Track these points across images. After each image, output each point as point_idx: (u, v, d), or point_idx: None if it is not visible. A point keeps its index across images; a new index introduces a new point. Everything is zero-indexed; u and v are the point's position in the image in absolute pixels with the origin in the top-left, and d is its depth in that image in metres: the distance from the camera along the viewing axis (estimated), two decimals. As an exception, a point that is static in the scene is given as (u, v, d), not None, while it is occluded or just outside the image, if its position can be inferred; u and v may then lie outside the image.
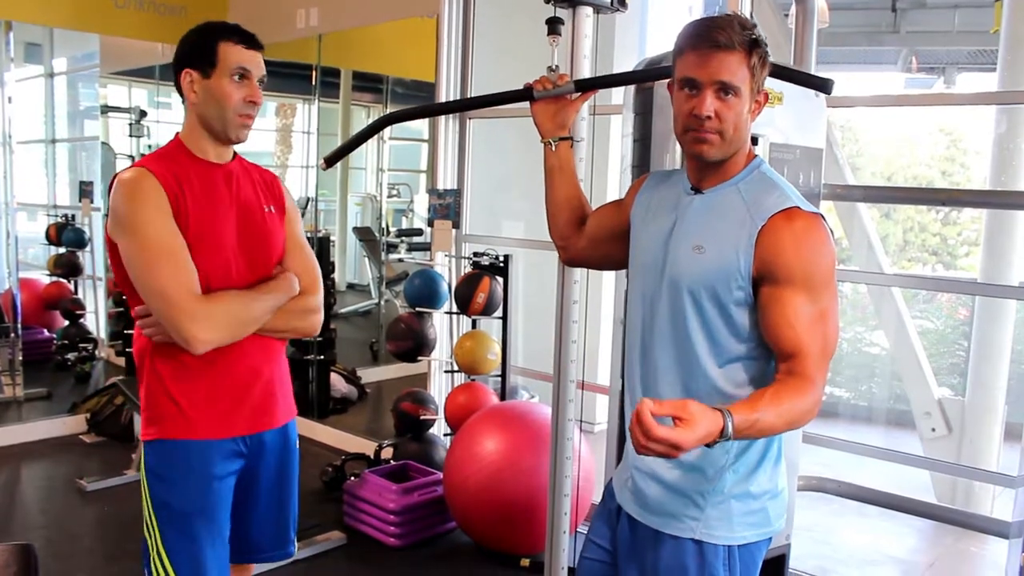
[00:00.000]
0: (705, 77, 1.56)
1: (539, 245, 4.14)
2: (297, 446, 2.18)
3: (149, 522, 1.96)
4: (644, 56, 2.52)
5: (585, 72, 2.41)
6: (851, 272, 4.47)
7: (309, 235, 5.49)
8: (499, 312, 4.06)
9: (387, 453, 4.27)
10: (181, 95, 1.96)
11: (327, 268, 5.56)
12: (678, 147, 2.35)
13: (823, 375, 1.54)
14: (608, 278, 2.74)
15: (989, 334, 4.80)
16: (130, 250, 1.84)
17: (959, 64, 9.12)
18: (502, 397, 4.04)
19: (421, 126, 5.71)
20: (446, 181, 4.43)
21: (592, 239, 1.95)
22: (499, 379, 4.08)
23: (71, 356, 5.98)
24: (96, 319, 6.25)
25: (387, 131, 5.95)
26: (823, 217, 1.60)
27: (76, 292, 6.24)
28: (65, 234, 6.11)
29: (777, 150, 2.51)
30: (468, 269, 4.15)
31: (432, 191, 4.38)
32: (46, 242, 6.19)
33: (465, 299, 4.01)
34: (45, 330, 6.28)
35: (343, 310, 6.56)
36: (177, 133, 2.00)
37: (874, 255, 4.82)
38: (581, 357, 2.63)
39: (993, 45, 5.41)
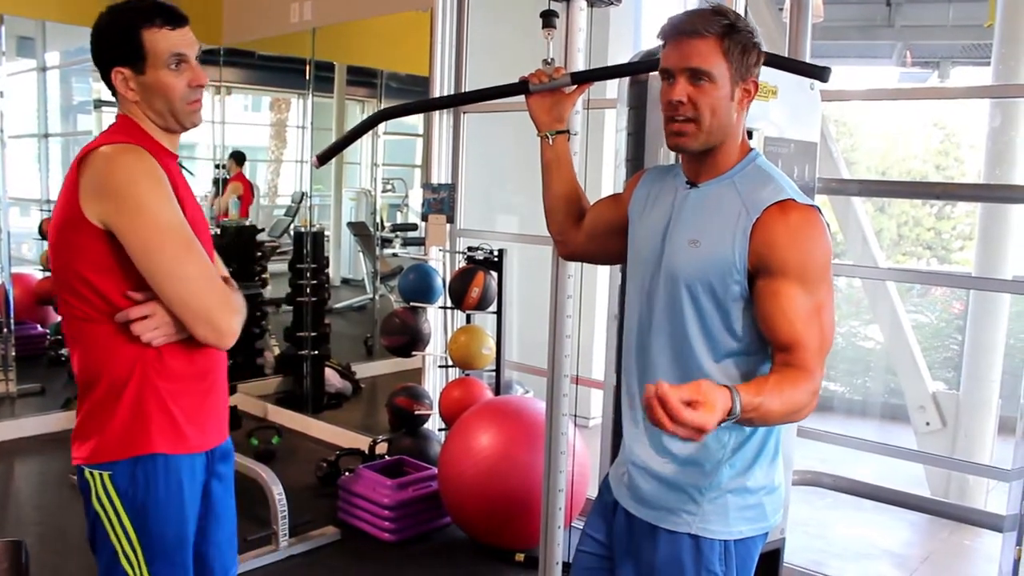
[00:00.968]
0: (675, 64, 1.57)
1: (534, 240, 4.13)
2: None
3: (131, 557, 1.73)
4: (639, 49, 2.52)
5: (579, 65, 2.41)
6: (845, 266, 4.47)
7: (303, 229, 5.49)
8: (493, 307, 4.06)
9: (382, 448, 4.26)
10: (114, 94, 1.75)
11: (321, 263, 5.56)
12: (672, 141, 2.35)
13: (821, 368, 1.54)
14: (603, 273, 2.73)
15: (983, 328, 4.80)
16: (146, 236, 1.62)
17: (953, 58, 9.13)
18: (496, 392, 4.03)
19: (415, 120, 5.69)
20: (440, 175, 4.42)
21: (590, 234, 1.94)
22: (493, 374, 4.08)
23: (64, 352, 5.95)
24: (89, 314, 6.22)
25: (381, 126, 5.94)
26: (819, 209, 1.59)
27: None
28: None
29: (771, 144, 2.51)
30: (462, 264, 4.14)
31: (426, 186, 4.37)
32: (39, 237, 6.15)
33: (459, 294, 4.01)
34: (38, 325, 6.26)
35: (337, 305, 6.56)
36: (120, 114, 1.78)
37: (868, 249, 4.82)
38: (575, 352, 2.63)
39: (987, 39, 5.41)
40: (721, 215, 1.60)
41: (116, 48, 1.72)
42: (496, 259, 4.04)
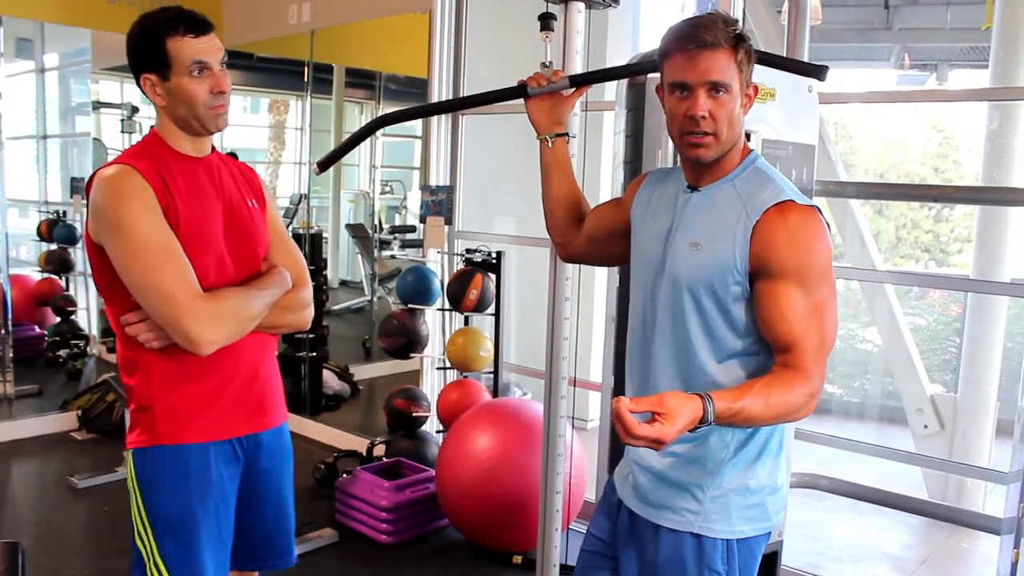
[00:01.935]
0: (695, 78, 1.56)
1: (532, 242, 4.14)
2: (291, 448, 2.12)
3: (143, 534, 1.88)
4: (637, 51, 2.52)
5: (577, 68, 2.40)
6: (843, 268, 4.47)
7: (301, 232, 5.49)
8: (491, 309, 4.06)
9: (379, 450, 4.26)
10: (147, 97, 1.88)
11: (320, 265, 5.56)
12: (670, 143, 2.35)
13: (820, 369, 1.54)
14: (602, 275, 2.74)
15: (981, 330, 4.80)
16: (123, 251, 1.75)
17: (952, 61, 9.15)
18: (494, 394, 4.03)
19: (414, 123, 5.69)
20: (438, 177, 4.42)
21: (591, 237, 1.95)
22: (491, 376, 4.08)
23: (62, 353, 5.94)
24: (87, 315, 6.22)
25: (380, 129, 5.94)
26: (819, 210, 1.60)
27: (67, 288, 6.21)
28: (56, 230, 6.07)
29: (769, 146, 2.51)
30: (460, 266, 4.14)
31: (425, 187, 4.37)
32: (37, 238, 6.15)
33: (457, 296, 4.01)
34: (36, 327, 6.25)
35: (336, 307, 6.55)
36: (152, 127, 1.92)
37: (867, 252, 4.82)
38: (573, 354, 2.63)
39: (985, 42, 5.42)
40: (722, 218, 1.61)
41: (144, 55, 1.83)
42: (494, 261, 4.04)
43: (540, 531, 2.70)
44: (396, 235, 6.56)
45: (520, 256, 4.74)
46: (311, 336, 5.43)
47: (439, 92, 4.39)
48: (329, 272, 6.14)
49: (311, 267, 5.39)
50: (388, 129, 6.29)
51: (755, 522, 1.67)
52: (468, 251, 4.13)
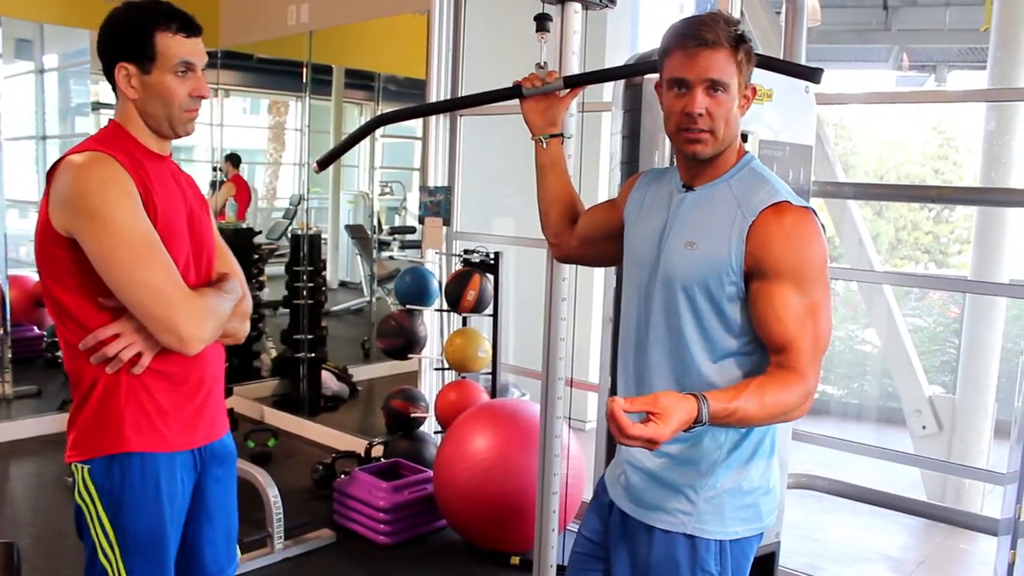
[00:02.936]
0: (694, 76, 1.56)
1: (530, 242, 4.13)
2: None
3: (108, 551, 1.76)
4: (636, 51, 2.52)
5: (574, 69, 2.41)
6: (841, 269, 4.47)
7: (301, 232, 5.49)
8: (489, 310, 4.06)
9: (377, 451, 4.26)
10: (114, 87, 1.77)
11: (319, 266, 5.56)
12: (667, 143, 2.36)
13: (815, 369, 1.54)
14: (599, 276, 2.74)
15: (979, 332, 4.80)
16: (104, 243, 1.63)
17: (950, 62, 9.15)
18: (492, 395, 4.03)
19: (414, 123, 5.70)
20: (437, 178, 4.42)
21: (585, 238, 1.95)
22: (489, 377, 4.08)
23: (60, 354, 5.94)
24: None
25: (379, 129, 5.94)
26: (814, 211, 1.60)
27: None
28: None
29: (767, 147, 2.51)
30: (459, 266, 4.14)
31: (423, 188, 4.37)
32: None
33: (455, 297, 4.01)
34: (35, 327, 6.25)
35: (335, 308, 6.55)
36: (112, 119, 1.80)
37: (865, 253, 4.82)
38: (570, 355, 2.63)
39: (984, 43, 5.42)
40: (717, 218, 1.61)
41: (126, 44, 1.73)
42: (492, 262, 4.04)
43: (537, 532, 2.70)
44: (395, 236, 6.57)
45: (518, 257, 4.74)
46: (310, 337, 5.44)
47: (438, 93, 4.40)
48: (328, 273, 6.14)
49: (310, 268, 5.40)
50: (387, 130, 6.31)
51: (748, 523, 1.67)
52: (466, 252, 4.13)
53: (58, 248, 1.69)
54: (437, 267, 4.38)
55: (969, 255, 5.09)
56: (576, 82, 1.97)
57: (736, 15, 3.07)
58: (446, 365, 4.11)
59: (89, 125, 6.30)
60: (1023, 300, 6.12)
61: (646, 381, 1.70)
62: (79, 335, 1.72)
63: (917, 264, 9.31)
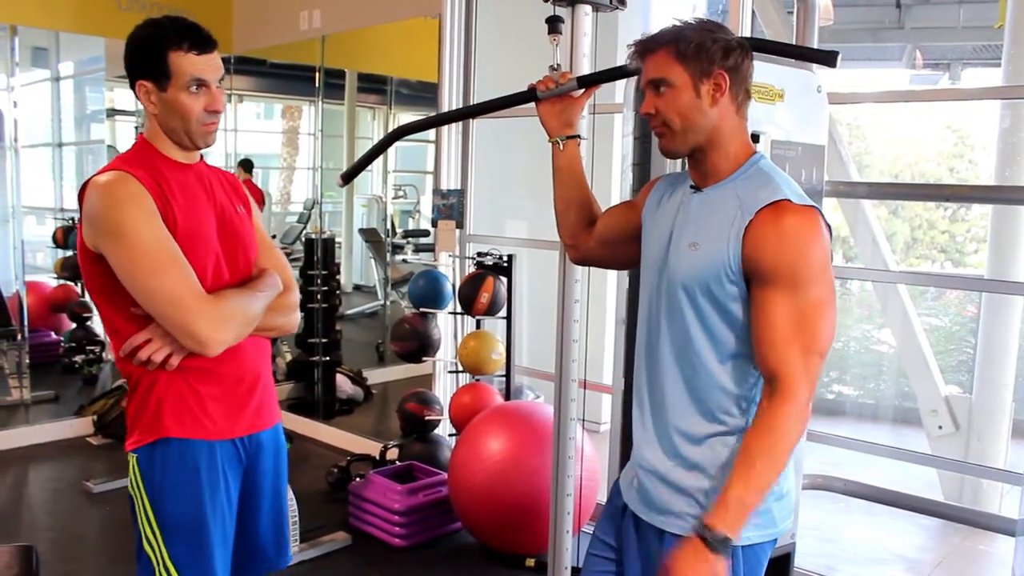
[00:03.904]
0: (642, 80, 1.68)
1: (543, 245, 4.14)
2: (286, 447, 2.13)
3: (152, 538, 1.85)
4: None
5: (585, 70, 2.41)
6: (856, 269, 4.45)
7: (315, 236, 5.52)
8: (503, 312, 4.06)
9: (392, 454, 4.27)
10: (139, 101, 1.87)
11: (333, 269, 5.58)
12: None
13: (808, 377, 1.55)
14: (612, 277, 2.74)
15: (996, 331, 4.77)
16: (125, 257, 1.74)
17: (964, 60, 9.09)
18: (506, 397, 4.03)
19: (426, 126, 5.71)
20: (450, 181, 4.43)
21: (602, 239, 1.95)
22: (503, 379, 4.08)
23: (78, 359, 5.99)
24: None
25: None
26: (818, 210, 1.59)
27: (83, 295, 6.27)
28: (72, 237, 6.12)
29: (778, 147, 2.51)
30: (472, 269, 4.15)
31: (436, 191, 4.38)
32: (53, 245, 6.21)
33: (469, 299, 4.01)
34: (52, 333, 6.30)
35: (349, 311, 6.57)
36: (141, 134, 1.92)
37: (879, 252, 4.80)
38: (583, 356, 2.63)
39: (998, 40, 5.38)
40: (719, 218, 1.61)
41: (143, 62, 1.82)
42: (505, 264, 4.04)
43: (551, 534, 2.71)
44: (409, 239, 6.58)
45: (531, 259, 4.74)
46: (325, 341, 5.46)
47: (450, 96, 4.41)
48: (342, 276, 6.15)
49: (324, 271, 5.42)
50: (400, 133, 6.34)
51: (761, 529, 1.66)
52: (479, 255, 4.13)
53: (93, 263, 1.81)
54: (450, 270, 4.39)
55: (985, 254, 5.06)
56: (590, 82, 1.98)
57: (747, 14, 3.07)
58: (460, 368, 4.12)
59: (104, 131, 6.35)
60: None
61: (657, 383, 1.70)
62: (121, 342, 1.84)
63: (933, 263, 9.25)
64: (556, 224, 2.03)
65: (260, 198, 6.61)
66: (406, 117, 6.62)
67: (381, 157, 6.42)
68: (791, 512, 1.73)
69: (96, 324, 6.24)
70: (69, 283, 6.26)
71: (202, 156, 1.97)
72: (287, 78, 6.70)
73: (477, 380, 4.08)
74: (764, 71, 1.65)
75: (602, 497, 3.42)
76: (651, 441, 1.72)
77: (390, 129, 6.53)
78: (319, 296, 5.46)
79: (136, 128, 6.29)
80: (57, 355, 6.15)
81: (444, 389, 4.46)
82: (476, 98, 4.40)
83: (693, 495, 1.65)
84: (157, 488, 1.84)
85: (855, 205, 4.82)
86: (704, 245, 1.60)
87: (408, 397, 4.24)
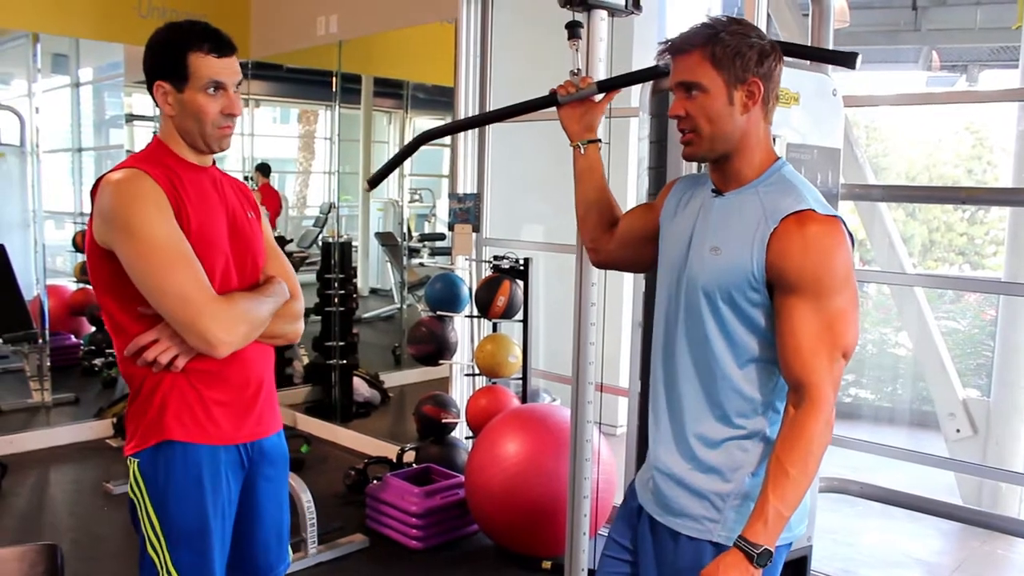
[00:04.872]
0: (672, 82, 1.65)
1: (559, 248, 4.15)
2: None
3: (156, 543, 1.84)
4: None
5: (601, 75, 2.41)
6: (872, 272, 4.43)
7: (331, 240, 5.55)
8: (519, 315, 4.07)
9: (409, 456, 4.29)
10: (156, 103, 1.88)
11: (349, 273, 5.60)
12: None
13: (832, 383, 1.55)
14: (628, 281, 2.74)
15: (1014, 334, 4.74)
16: (136, 253, 1.73)
17: (981, 61, 9.04)
18: (523, 400, 4.04)
19: (442, 130, 5.73)
20: (466, 185, 4.45)
21: (622, 241, 1.95)
22: (520, 382, 4.09)
23: (98, 362, 6.04)
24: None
25: (408, 135, 5.97)
26: (841, 220, 1.59)
27: (102, 298, 6.31)
28: (91, 241, 6.17)
29: (793, 150, 2.51)
30: (488, 273, 4.16)
31: (452, 195, 4.40)
32: (73, 249, 6.26)
33: (485, 303, 4.03)
34: (72, 336, 6.36)
35: (366, 315, 6.60)
36: (155, 135, 1.92)
37: (895, 255, 4.78)
38: (600, 359, 2.63)
39: (1015, 41, 5.36)
40: (743, 224, 1.61)
41: (163, 63, 1.84)
42: (522, 268, 4.05)
43: (568, 536, 2.71)
44: (425, 243, 6.60)
45: (548, 263, 4.76)
46: (342, 344, 5.48)
47: (466, 100, 4.43)
48: (359, 280, 6.18)
49: (341, 275, 5.45)
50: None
51: None
52: (496, 258, 4.14)
53: (102, 260, 1.80)
54: (467, 273, 4.41)
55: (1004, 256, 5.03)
56: (610, 86, 1.98)
57: (763, 17, 3.07)
58: (477, 371, 4.13)
59: (123, 137, 6.40)
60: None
61: (675, 386, 1.71)
62: (126, 341, 1.82)
63: (951, 266, 9.20)
64: (577, 227, 2.03)
65: (277, 202, 6.65)
66: (422, 121, 6.65)
67: (397, 161, 6.46)
68: (806, 516, 1.73)
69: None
70: (88, 287, 6.31)
71: (214, 161, 1.97)
72: (304, 83, 6.74)
73: (494, 383, 4.10)
74: (776, 70, 1.65)
75: (618, 500, 3.42)
76: (667, 443, 1.72)
77: (406, 133, 6.56)
78: (336, 300, 5.48)
79: (154, 133, 6.33)
80: (77, 358, 6.20)
81: (461, 392, 4.47)
82: (492, 102, 4.41)
83: (709, 498, 1.65)
84: (161, 492, 1.83)
85: (871, 208, 4.81)
86: (726, 250, 1.61)
87: (425, 400, 4.26)
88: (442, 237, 6.44)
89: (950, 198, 5.25)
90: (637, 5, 2.41)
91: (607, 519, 3.52)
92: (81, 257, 6.26)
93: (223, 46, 1.84)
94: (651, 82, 2.53)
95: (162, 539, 1.83)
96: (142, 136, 6.41)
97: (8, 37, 5.67)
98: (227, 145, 1.90)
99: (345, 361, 5.51)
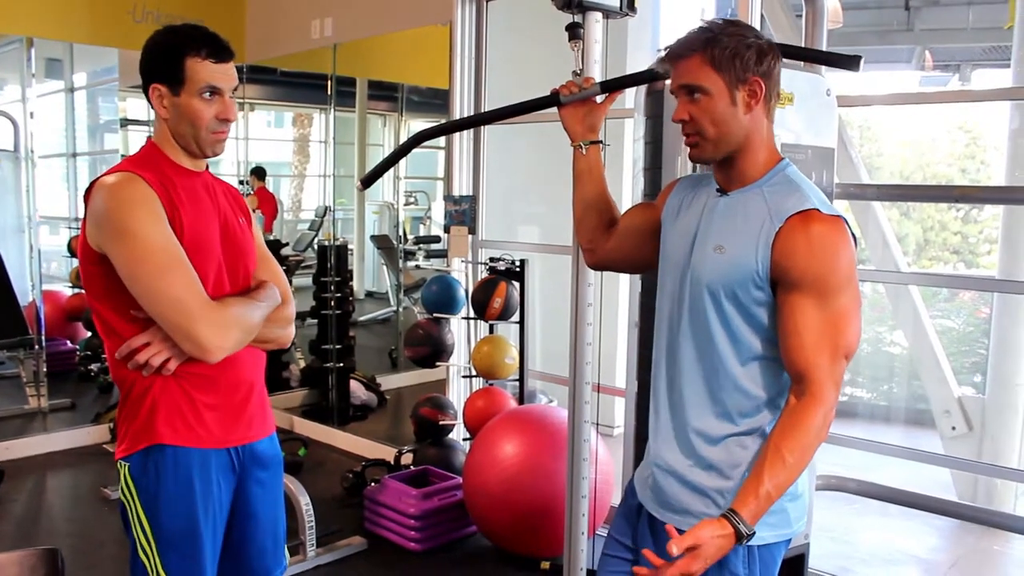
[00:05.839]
0: (674, 86, 1.66)
1: (555, 249, 4.15)
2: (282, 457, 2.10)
3: (146, 546, 1.83)
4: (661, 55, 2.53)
5: (597, 77, 2.42)
6: (867, 271, 4.45)
7: (327, 243, 5.55)
8: (516, 317, 4.08)
9: (407, 459, 4.29)
10: (151, 105, 1.87)
11: (345, 276, 5.61)
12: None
13: (834, 381, 1.56)
14: (624, 281, 2.75)
15: (1008, 331, 4.77)
16: (130, 257, 1.72)
17: (974, 61, 9.07)
18: (520, 401, 4.05)
19: (436, 133, 5.73)
20: (461, 187, 4.45)
21: (620, 241, 1.95)
22: (517, 383, 4.10)
23: (94, 367, 6.03)
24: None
25: (403, 138, 5.97)
26: (844, 220, 1.60)
27: (98, 304, 6.30)
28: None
29: (788, 150, 2.51)
30: (484, 274, 4.17)
31: (448, 197, 4.40)
32: (68, 254, 6.25)
33: (482, 304, 4.03)
34: (68, 341, 6.34)
35: (362, 318, 6.60)
36: (150, 138, 1.92)
37: (890, 254, 4.80)
38: (597, 359, 2.64)
39: (1008, 41, 5.38)
40: (747, 223, 1.62)
41: (159, 66, 1.83)
42: (518, 269, 4.06)
43: (566, 536, 2.72)
44: (421, 245, 6.60)
45: (544, 264, 4.76)
46: (338, 347, 5.49)
47: (461, 103, 4.43)
48: (355, 283, 6.18)
49: (337, 278, 5.45)
50: (411, 140, 6.37)
51: (776, 528, 1.67)
52: (492, 260, 4.15)
53: (94, 264, 1.79)
54: (463, 275, 4.41)
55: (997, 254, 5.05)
56: (613, 86, 1.98)
57: (756, 18, 3.08)
58: (473, 372, 4.14)
59: (117, 141, 6.40)
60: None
61: (676, 383, 1.72)
62: (117, 344, 1.81)
63: (946, 264, 9.23)
64: (574, 228, 2.03)
65: (273, 205, 6.65)
66: (417, 124, 6.65)
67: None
68: (805, 512, 1.74)
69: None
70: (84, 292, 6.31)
71: (208, 166, 1.97)
72: (298, 86, 6.74)
73: (491, 384, 4.10)
74: (773, 69, 1.66)
75: (616, 500, 3.43)
76: (668, 440, 1.73)
77: (401, 136, 6.57)
78: (332, 303, 5.49)
79: (148, 137, 6.32)
80: (73, 363, 6.18)
81: (458, 394, 4.48)
82: (487, 104, 4.42)
83: (709, 495, 1.66)
84: (152, 496, 1.82)
85: (866, 207, 4.83)
86: (730, 249, 1.62)
87: (422, 402, 4.26)
88: (437, 239, 6.43)
89: (944, 197, 5.29)
90: (632, 7, 2.42)
91: (605, 519, 3.53)
92: (76, 262, 6.25)
93: (221, 51, 1.84)
94: (647, 84, 2.54)
95: (152, 543, 1.83)
96: (137, 140, 6.40)
97: (2, 42, 5.66)
98: (221, 150, 1.90)
99: (342, 364, 5.51)
